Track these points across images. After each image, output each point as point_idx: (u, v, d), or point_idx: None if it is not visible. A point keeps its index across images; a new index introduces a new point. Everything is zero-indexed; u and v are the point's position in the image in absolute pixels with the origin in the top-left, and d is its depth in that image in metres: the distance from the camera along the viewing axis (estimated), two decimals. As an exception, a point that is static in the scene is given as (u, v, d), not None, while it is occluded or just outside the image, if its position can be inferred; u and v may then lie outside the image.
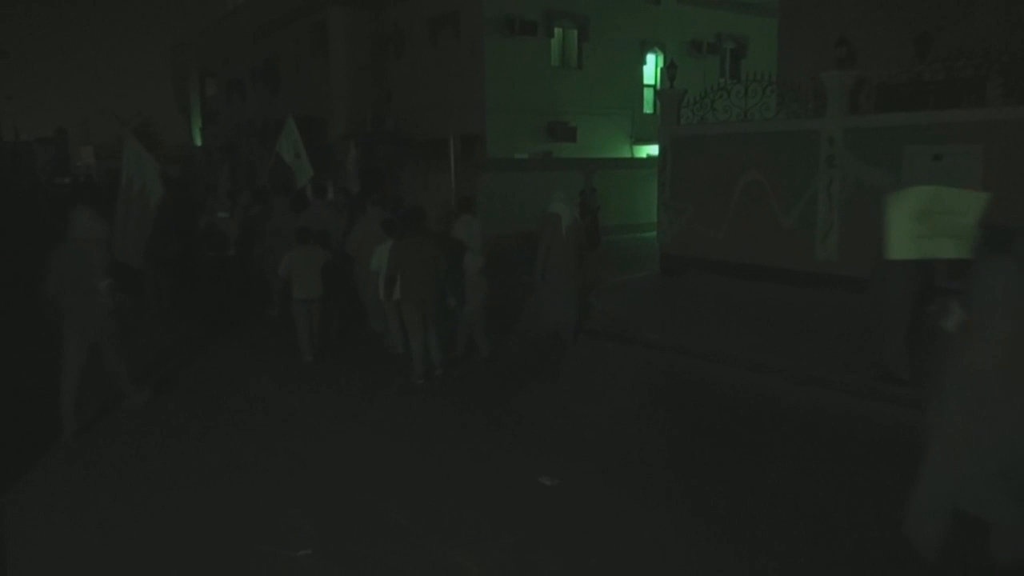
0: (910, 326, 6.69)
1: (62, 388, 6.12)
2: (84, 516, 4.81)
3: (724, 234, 12.54)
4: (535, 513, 4.78)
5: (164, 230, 9.89)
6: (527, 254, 9.37)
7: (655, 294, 11.95)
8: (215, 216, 10.36)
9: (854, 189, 10.79)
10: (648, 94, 23.86)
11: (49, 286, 6.07)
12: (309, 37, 27.41)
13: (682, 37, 23.93)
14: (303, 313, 8.23)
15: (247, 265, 10.68)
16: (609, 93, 22.69)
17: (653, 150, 19.46)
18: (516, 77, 20.81)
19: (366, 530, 4.57)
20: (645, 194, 18.93)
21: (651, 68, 24.03)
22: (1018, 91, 10.02)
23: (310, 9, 26.68)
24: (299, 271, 8.15)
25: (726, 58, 25.62)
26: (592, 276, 12.99)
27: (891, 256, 5.01)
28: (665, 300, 11.35)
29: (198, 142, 40.61)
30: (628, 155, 23.15)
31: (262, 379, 7.83)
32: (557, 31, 21.80)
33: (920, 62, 12.67)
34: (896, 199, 4.86)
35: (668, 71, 13.94)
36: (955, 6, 12.96)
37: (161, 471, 5.48)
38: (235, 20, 34.28)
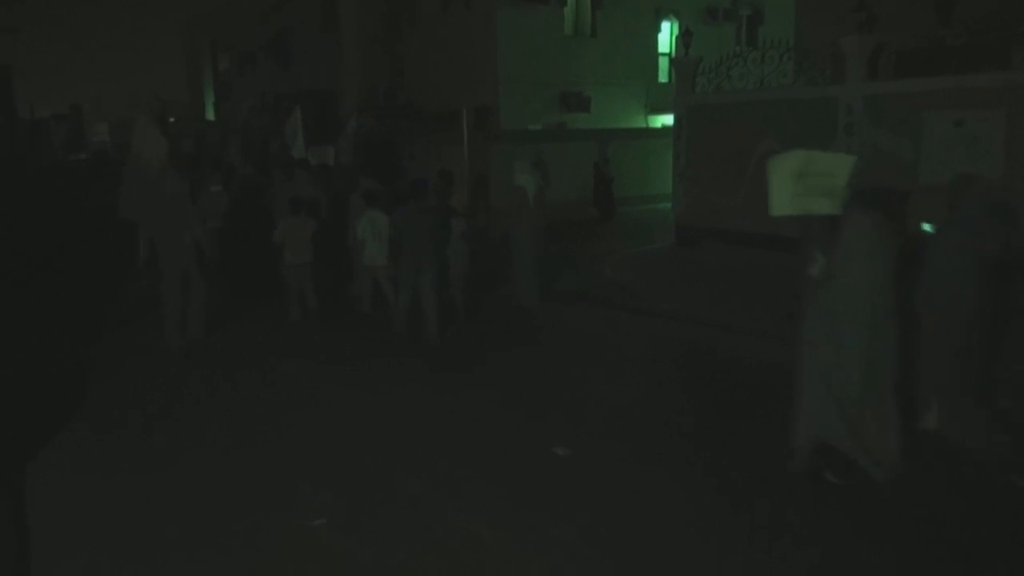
0: None
1: (166, 314, 7.76)
2: (99, 487, 4.88)
3: (740, 204, 12.39)
4: (548, 482, 4.80)
5: None
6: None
7: (669, 265, 11.88)
8: (208, 191, 10.43)
9: (873, 157, 10.61)
10: (663, 63, 23.50)
11: (143, 236, 7.70)
12: (320, 9, 27.19)
13: (697, 4, 23.47)
14: (294, 277, 8.94)
15: (248, 236, 10.73)
16: (623, 62, 22.36)
17: (668, 120, 19.21)
18: (529, 47, 20.53)
19: (380, 500, 4.62)
20: (660, 164, 18.74)
21: (666, 36, 23.64)
22: (1043, 55, 9.76)
23: (321, -20, 26.45)
24: (291, 238, 8.77)
25: (742, 25, 25.11)
26: (606, 246, 12.93)
27: (772, 213, 5.33)
28: (679, 271, 11.28)
29: (211, 117, 40.62)
30: (643, 125, 22.88)
31: (270, 349, 7.89)
32: (570, -1, 21.45)
33: (941, 26, 12.36)
34: (776, 163, 5.13)
35: (683, 39, 13.73)
36: (979, -33, 12.61)
37: (174, 443, 5.55)
38: (246, -7, 34.01)
